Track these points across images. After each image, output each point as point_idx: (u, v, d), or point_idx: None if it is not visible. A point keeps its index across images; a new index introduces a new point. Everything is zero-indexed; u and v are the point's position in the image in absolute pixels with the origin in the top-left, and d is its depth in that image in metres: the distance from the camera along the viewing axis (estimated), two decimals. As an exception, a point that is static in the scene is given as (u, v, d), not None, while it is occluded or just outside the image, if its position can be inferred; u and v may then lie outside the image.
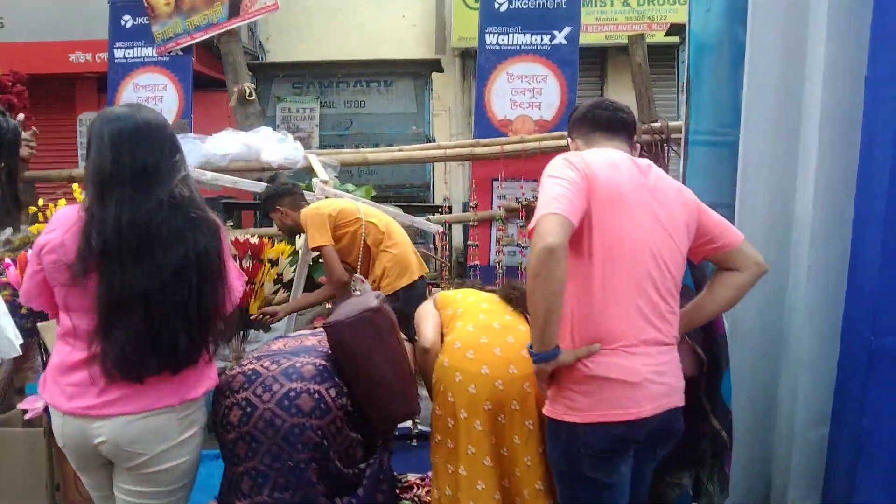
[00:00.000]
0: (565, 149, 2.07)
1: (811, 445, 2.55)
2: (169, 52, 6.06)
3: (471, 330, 2.09)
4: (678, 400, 1.75)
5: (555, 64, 5.06)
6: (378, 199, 5.58)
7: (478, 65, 5.21)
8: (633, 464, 1.77)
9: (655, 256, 1.71)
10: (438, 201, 6.54)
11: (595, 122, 1.91)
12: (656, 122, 4.46)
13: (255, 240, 4.09)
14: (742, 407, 2.49)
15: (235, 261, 3.93)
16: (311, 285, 4.36)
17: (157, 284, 1.67)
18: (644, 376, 1.67)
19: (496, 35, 5.15)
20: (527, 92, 5.08)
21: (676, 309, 1.77)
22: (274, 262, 4.23)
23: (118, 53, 6.20)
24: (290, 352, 1.97)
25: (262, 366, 1.92)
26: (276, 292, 4.23)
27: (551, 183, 1.66)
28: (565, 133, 2.17)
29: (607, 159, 1.76)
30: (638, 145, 1.98)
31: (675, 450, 2.23)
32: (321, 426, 1.81)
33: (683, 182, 3.33)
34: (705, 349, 2.06)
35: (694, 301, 1.93)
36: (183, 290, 1.69)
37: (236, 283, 1.86)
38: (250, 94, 5.82)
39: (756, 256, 1.84)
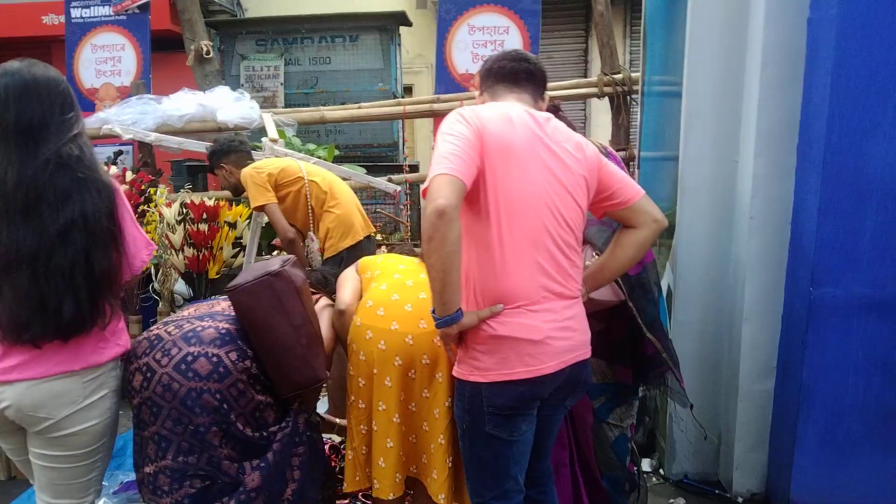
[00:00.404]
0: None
1: (757, 399, 2.53)
2: (126, 11, 5.85)
3: (383, 289, 2.05)
4: (584, 353, 1.72)
5: (517, 14, 4.87)
6: (345, 160, 5.44)
7: (438, 16, 5.01)
8: (543, 416, 1.77)
9: (552, 210, 1.65)
10: (410, 160, 6.36)
11: (499, 73, 1.83)
12: (618, 73, 4.32)
13: (211, 202, 4.01)
14: (689, 362, 2.45)
15: (183, 229, 3.87)
16: (267, 248, 4.29)
17: (44, 246, 1.62)
18: (546, 333, 1.64)
19: (459, -17, 4.94)
20: (488, 44, 4.89)
21: (578, 262, 1.72)
22: (232, 225, 4.15)
23: (75, 13, 5.96)
24: (196, 317, 1.92)
25: (165, 331, 1.87)
26: (235, 256, 4.16)
27: (443, 140, 1.59)
28: None
29: (501, 113, 1.67)
30: (548, 96, 1.88)
31: (625, 383, 2.21)
32: (220, 389, 1.77)
33: (640, 132, 3.25)
34: (632, 275, 2.03)
35: (597, 261, 1.90)
36: (69, 252, 1.64)
37: (139, 250, 1.78)
38: (207, 53, 5.63)
39: (654, 213, 1.79)
